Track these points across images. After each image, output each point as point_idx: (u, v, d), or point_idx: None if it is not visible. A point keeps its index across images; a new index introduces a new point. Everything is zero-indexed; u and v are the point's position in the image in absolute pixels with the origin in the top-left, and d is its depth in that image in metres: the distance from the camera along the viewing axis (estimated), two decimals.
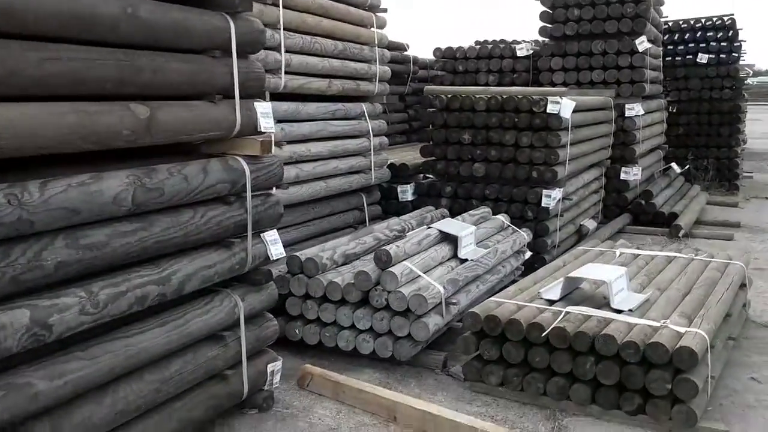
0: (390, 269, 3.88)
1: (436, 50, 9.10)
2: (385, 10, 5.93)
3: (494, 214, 5.72)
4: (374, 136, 5.81)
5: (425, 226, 4.77)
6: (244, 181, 2.94)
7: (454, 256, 4.55)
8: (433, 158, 6.28)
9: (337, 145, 5.28)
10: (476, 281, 4.51)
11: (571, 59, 8.21)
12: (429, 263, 4.24)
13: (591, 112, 6.78)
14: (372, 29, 5.77)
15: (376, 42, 5.79)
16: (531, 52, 8.56)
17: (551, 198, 5.77)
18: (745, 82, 12.18)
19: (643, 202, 8.02)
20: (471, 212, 5.41)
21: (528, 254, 5.53)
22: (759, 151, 18.50)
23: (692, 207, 8.32)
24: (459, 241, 4.56)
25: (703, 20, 10.61)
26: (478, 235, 4.90)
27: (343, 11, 5.35)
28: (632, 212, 8.08)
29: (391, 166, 6.47)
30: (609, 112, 7.58)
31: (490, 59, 8.76)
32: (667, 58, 10.81)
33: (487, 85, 8.77)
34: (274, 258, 3.20)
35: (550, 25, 8.33)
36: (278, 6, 4.52)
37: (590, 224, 6.97)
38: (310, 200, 5.09)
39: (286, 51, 4.63)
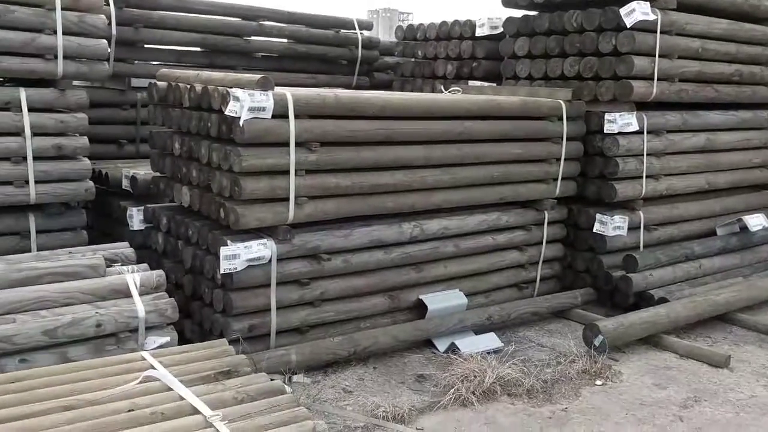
0: None
1: (398, 29, 6.68)
2: None
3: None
4: (37, 135, 4.03)
5: None
6: None
7: None
8: (159, 174, 4.32)
9: None
10: None
11: (540, 40, 5.34)
12: None
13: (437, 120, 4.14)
14: None
15: (59, 5, 4.00)
16: (497, 31, 5.79)
17: (233, 257, 3.48)
18: None
19: (618, 274, 4.94)
20: None
21: None
22: None
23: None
24: None
25: None
26: None
27: None
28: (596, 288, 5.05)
29: (132, 180, 4.61)
30: (548, 125, 4.71)
31: (449, 41, 6.13)
32: None
33: (444, 78, 6.19)
34: None
35: None
36: None
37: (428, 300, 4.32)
38: None
39: None
